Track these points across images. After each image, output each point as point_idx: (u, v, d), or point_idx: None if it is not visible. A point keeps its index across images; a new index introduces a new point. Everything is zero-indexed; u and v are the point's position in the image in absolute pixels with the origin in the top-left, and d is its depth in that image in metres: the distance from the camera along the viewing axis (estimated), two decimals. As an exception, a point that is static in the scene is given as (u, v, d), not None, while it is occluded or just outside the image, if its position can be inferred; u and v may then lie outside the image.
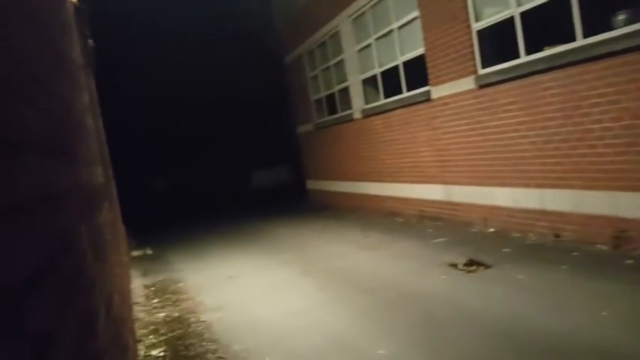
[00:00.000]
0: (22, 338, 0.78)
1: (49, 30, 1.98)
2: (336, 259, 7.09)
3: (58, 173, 1.48)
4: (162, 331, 5.13)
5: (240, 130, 21.03)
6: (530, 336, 3.69)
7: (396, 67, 9.22)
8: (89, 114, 3.96)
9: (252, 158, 20.61)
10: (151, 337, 5.02)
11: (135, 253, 9.80)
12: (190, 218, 15.40)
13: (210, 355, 4.33)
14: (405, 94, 9.04)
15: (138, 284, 7.37)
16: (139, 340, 4.88)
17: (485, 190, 7.27)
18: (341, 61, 11.45)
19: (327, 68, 12.32)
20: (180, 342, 4.75)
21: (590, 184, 5.61)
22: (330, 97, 12.47)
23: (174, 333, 5.02)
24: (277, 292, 5.97)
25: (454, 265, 5.71)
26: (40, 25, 1.75)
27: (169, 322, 5.42)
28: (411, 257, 6.51)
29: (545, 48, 6.04)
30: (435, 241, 7.18)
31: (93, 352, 1.58)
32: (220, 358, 4.24)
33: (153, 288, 7.08)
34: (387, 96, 9.77)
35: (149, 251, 10.06)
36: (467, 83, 7.24)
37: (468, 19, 7.06)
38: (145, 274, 8.06)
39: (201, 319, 5.33)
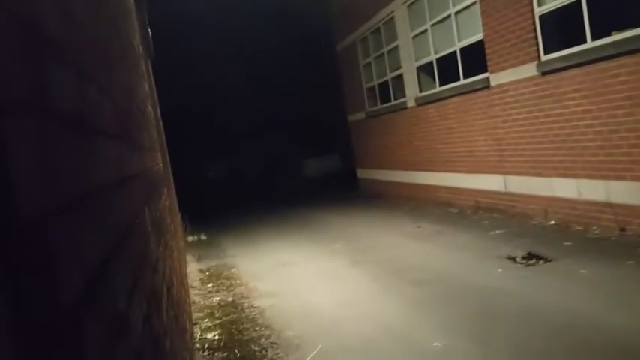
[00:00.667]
0: (99, 319, 0.79)
1: (115, 19, 2.03)
2: (386, 249, 7.03)
3: (127, 158, 1.51)
4: (216, 315, 5.25)
5: (291, 120, 21.14)
6: (591, 333, 3.54)
7: (452, 54, 8.99)
8: (149, 102, 4.07)
9: (303, 147, 20.69)
10: (206, 320, 5.15)
11: (190, 239, 10.06)
12: (242, 206, 15.65)
13: (263, 340, 4.39)
14: (462, 82, 8.82)
15: (193, 269, 7.57)
16: (195, 323, 5.02)
17: (546, 181, 7.01)
18: (395, 48, 11.28)
19: (381, 55, 12.16)
20: (234, 326, 4.85)
21: (661, 176, 5.31)
22: (383, 85, 12.32)
23: (229, 317, 5.13)
24: (328, 280, 5.98)
25: (512, 258, 5.55)
26: (108, 13, 1.79)
27: (224, 306, 5.54)
28: (466, 249, 6.37)
29: (613, 33, 5.73)
30: (492, 232, 6.99)
31: (158, 331, 1.62)
32: (273, 343, 4.30)
33: (207, 273, 7.25)
34: (442, 83, 9.56)
35: (203, 237, 10.31)
36: (528, 70, 6.97)
37: (530, 3, 6.78)
38: (199, 259, 8.26)
39: (254, 305, 5.42)
